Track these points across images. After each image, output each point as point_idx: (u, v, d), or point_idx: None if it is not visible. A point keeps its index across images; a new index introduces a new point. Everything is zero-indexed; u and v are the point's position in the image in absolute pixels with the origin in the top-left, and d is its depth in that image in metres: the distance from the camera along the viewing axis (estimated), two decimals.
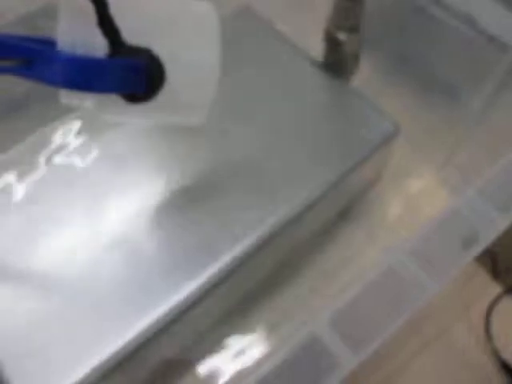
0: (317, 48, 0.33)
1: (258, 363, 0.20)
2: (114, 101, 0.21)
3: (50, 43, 0.19)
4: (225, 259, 0.26)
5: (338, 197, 0.31)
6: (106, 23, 0.17)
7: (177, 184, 0.28)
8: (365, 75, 0.34)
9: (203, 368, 0.28)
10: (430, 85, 0.35)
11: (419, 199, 0.37)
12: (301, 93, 0.31)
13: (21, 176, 0.30)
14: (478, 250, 0.14)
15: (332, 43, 0.32)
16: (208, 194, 0.28)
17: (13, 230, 0.28)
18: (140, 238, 0.27)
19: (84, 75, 0.18)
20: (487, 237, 0.14)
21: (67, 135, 0.32)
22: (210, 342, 0.28)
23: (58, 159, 0.30)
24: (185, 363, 0.28)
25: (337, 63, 0.33)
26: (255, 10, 0.34)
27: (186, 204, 0.28)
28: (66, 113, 0.32)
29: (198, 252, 0.27)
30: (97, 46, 0.18)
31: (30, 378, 0.24)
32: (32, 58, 0.17)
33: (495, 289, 0.41)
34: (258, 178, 0.28)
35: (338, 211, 0.35)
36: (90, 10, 0.17)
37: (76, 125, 0.32)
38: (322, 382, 0.12)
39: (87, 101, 0.21)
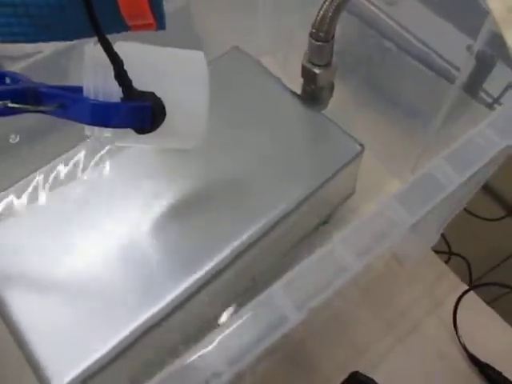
0: (297, 80, 0.39)
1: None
2: (126, 132, 0.26)
3: (77, 90, 0.24)
4: (217, 260, 0.32)
5: (315, 207, 0.36)
6: (122, 76, 0.23)
7: (173, 200, 0.34)
8: (338, 101, 0.40)
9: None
10: (394, 108, 0.40)
11: None
12: (281, 120, 0.37)
13: (43, 194, 0.36)
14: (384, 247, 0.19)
15: (308, 77, 0.38)
16: (202, 207, 0.33)
17: (44, 237, 0.33)
18: (144, 244, 0.33)
19: (104, 116, 0.23)
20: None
21: (83, 156, 0.38)
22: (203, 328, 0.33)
23: (76, 176, 0.36)
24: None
25: (313, 93, 0.38)
26: (243, 50, 0.40)
27: (182, 215, 0.34)
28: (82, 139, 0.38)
29: (193, 254, 0.32)
30: (114, 92, 0.24)
31: (57, 356, 0.29)
32: (65, 103, 0.23)
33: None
34: (244, 193, 0.34)
35: (319, 219, 0.40)
36: (108, 66, 0.23)
37: (91, 148, 0.38)
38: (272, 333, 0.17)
39: (106, 131, 0.26)
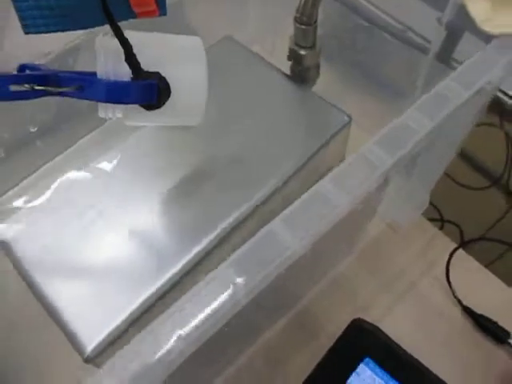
0: (284, 65, 0.42)
1: None
2: (136, 111, 0.30)
3: (91, 74, 0.28)
4: (219, 230, 0.34)
5: (309, 175, 0.39)
6: (131, 58, 0.26)
7: (177, 178, 0.37)
8: (326, 80, 0.43)
9: None
10: (377, 84, 0.43)
11: None
12: (273, 99, 0.40)
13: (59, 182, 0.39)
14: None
15: (296, 58, 0.41)
16: (202, 182, 0.36)
17: (65, 223, 0.36)
18: (152, 220, 0.36)
19: (117, 94, 0.27)
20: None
21: (93, 145, 0.41)
22: None
23: (87, 164, 0.39)
24: None
25: (301, 73, 0.42)
26: (236, 38, 0.43)
27: (187, 190, 0.37)
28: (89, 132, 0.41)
29: (197, 225, 0.35)
30: (124, 73, 0.27)
31: (87, 322, 0.32)
32: (82, 85, 0.26)
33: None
34: (243, 165, 0.37)
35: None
36: (119, 49, 0.26)
37: (98, 138, 0.41)
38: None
39: (117, 113, 0.30)
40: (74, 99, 0.27)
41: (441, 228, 0.58)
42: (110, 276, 0.34)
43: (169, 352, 0.21)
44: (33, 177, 0.39)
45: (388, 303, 0.47)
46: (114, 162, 0.39)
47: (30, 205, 0.38)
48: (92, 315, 0.33)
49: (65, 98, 0.27)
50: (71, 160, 0.40)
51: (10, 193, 0.38)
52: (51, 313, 0.33)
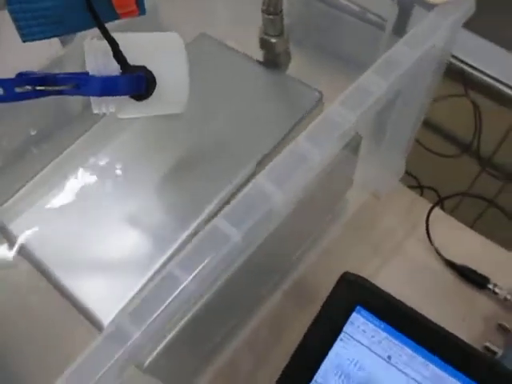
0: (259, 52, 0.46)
1: None
2: (126, 104, 0.33)
3: (84, 73, 0.31)
4: (208, 210, 0.37)
5: None
6: (118, 54, 0.30)
7: (167, 163, 0.40)
8: (297, 64, 0.47)
9: None
10: (344, 62, 0.47)
11: None
12: (250, 86, 0.44)
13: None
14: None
15: (267, 47, 0.45)
16: (189, 167, 0.40)
17: (72, 219, 0.39)
18: (148, 207, 0.39)
19: (111, 86, 0.30)
20: None
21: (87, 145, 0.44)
22: None
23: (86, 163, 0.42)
24: None
25: (273, 60, 0.45)
26: (210, 35, 0.47)
27: (177, 176, 0.40)
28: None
29: (188, 207, 0.38)
30: (113, 69, 0.31)
31: (102, 300, 0.36)
32: (78, 83, 0.30)
33: (434, 211, 0.52)
34: (225, 149, 0.40)
35: None
36: (106, 48, 0.30)
37: (92, 137, 0.44)
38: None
39: (110, 108, 0.33)
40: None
41: (421, 195, 0.62)
42: (117, 261, 0.38)
43: (174, 300, 0.24)
44: (35, 180, 0.42)
45: (377, 264, 0.50)
46: (109, 157, 0.42)
47: (36, 205, 0.41)
48: (106, 296, 0.36)
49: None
50: (69, 160, 0.43)
51: (17, 196, 0.41)
52: (70, 299, 0.36)
